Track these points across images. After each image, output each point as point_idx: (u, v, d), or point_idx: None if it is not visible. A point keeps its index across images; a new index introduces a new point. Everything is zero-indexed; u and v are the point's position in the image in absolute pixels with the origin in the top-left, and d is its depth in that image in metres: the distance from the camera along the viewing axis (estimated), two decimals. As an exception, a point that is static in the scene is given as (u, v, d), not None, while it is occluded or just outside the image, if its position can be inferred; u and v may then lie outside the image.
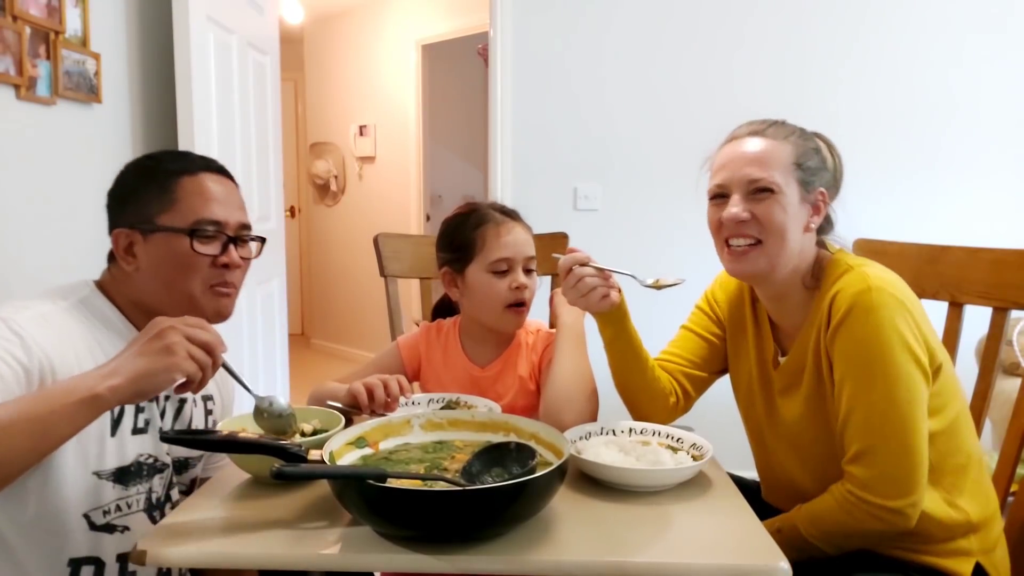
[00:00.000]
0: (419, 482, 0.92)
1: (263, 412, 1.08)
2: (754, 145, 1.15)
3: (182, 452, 1.21)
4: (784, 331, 1.25)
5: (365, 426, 1.05)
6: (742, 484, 1.21)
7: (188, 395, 1.21)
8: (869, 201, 2.76)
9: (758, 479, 1.36)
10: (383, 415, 1.17)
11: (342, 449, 0.98)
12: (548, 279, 1.76)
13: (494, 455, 0.96)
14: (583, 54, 2.87)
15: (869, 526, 1.06)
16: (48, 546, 1.04)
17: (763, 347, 1.27)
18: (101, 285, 1.16)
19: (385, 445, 1.05)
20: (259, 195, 2.78)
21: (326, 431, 1.10)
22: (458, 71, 5.06)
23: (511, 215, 1.41)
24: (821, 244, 1.22)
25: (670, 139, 2.82)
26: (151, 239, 1.12)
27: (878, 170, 2.79)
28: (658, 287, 1.23)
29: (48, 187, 1.86)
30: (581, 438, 1.16)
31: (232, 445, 1.01)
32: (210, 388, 1.26)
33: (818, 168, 1.16)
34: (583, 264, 1.21)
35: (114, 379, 0.88)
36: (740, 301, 1.32)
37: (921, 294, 1.42)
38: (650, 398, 1.32)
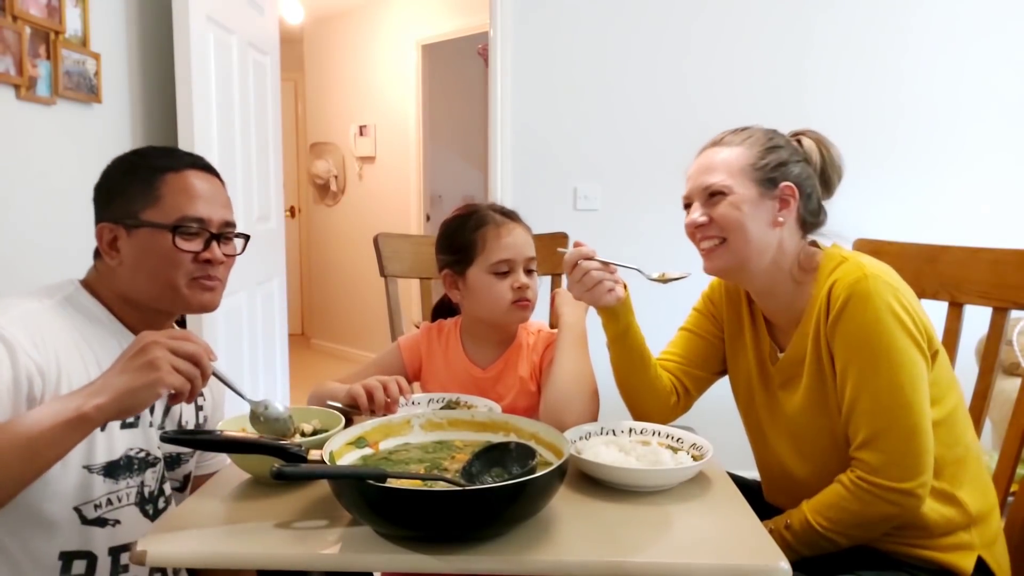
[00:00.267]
0: (419, 482, 0.92)
1: (259, 416, 1.08)
2: (710, 156, 1.22)
3: (173, 448, 1.21)
4: (779, 327, 1.26)
5: (365, 426, 1.05)
6: (742, 484, 1.21)
7: None
8: (869, 201, 2.76)
9: (758, 479, 1.36)
10: (383, 416, 1.17)
11: (342, 449, 0.98)
12: (548, 279, 1.76)
13: (494, 455, 0.96)
14: (583, 54, 2.87)
15: (882, 510, 1.07)
16: (39, 540, 1.04)
17: (760, 345, 1.29)
18: (86, 283, 1.17)
19: (385, 445, 1.05)
20: (259, 195, 2.78)
21: (326, 431, 1.10)
22: (458, 71, 5.06)
23: (511, 216, 1.41)
24: (814, 244, 1.24)
25: (670, 139, 2.81)
26: (135, 234, 1.12)
27: (879, 170, 2.79)
28: (664, 280, 1.25)
29: (48, 187, 1.86)
30: (581, 438, 1.16)
31: (232, 445, 1.01)
32: None
33: (780, 164, 1.19)
34: (588, 258, 1.22)
35: (99, 398, 0.90)
36: (737, 302, 1.33)
37: (921, 294, 1.43)
38: (651, 397, 1.32)
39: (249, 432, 1.08)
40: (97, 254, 1.18)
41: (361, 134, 5.17)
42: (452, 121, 5.16)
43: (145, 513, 1.14)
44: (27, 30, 1.73)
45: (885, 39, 2.78)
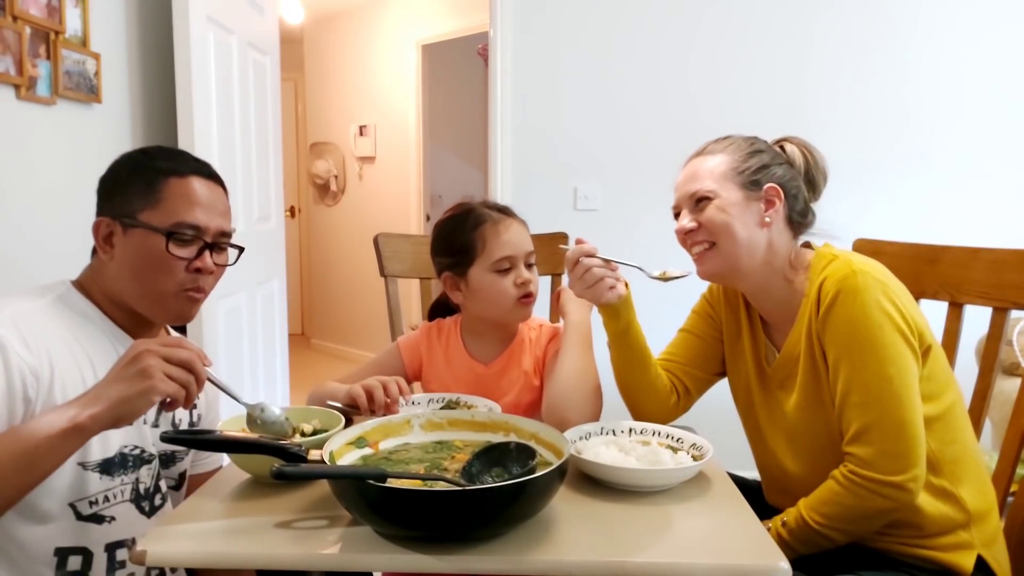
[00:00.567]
0: (419, 482, 0.92)
1: (255, 420, 1.08)
2: (695, 165, 1.25)
3: (167, 446, 1.21)
4: (775, 328, 1.27)
5: (365, 426, 1.05)
6: (742, 484, 1.22)
7: None
8: (870, 201, 2.76)
9: (758, 479, 1.36)
10: (383, 416, 1.17)
11: (342, 449, 0.98)
12: (548, 279, 1.75)
13: (494, 455, 0.96)
14: (583, 54, 2.87)
15: (875, 504, 1.08)
16: (34, 536, 1.04)
17: (757, 347, 1.30)
18: (78, 283, 1.17)
19: (385, 445, 1.05)
20: (259, 195, 2.78)
21: (326, 431, 1.10)
22: (458, 71, 5.06)
23: (506, 212, 1.41)
24: (807, 245, 1.26)
25: (670, 139, 2.81)
26: (130, 233, 1.12)
27: (879, 170, 2.79)
28: (665, 279, 1.26)
29: (48, 187, 1.86)
30: (581, 438, 1.16)
31: (232, 445, 1.01)
32: None
33: (763, 167, 1.22)
34: (590, 255, 1.23)
35: (94, 407, 0.91)
36: (735, 305, 1.34)
37: (921, 294, 1.43)
38: (651, 396, 1.33)
39: (249, 431, 1.08)
40: (94, 251, 1.18)
41: (361, 134, 5.17)
42: (452, 121, 5.16)
43: (141, 510, 1.15)
44: (27, 30, 1.73)
45: (887, 39, 2.78)
